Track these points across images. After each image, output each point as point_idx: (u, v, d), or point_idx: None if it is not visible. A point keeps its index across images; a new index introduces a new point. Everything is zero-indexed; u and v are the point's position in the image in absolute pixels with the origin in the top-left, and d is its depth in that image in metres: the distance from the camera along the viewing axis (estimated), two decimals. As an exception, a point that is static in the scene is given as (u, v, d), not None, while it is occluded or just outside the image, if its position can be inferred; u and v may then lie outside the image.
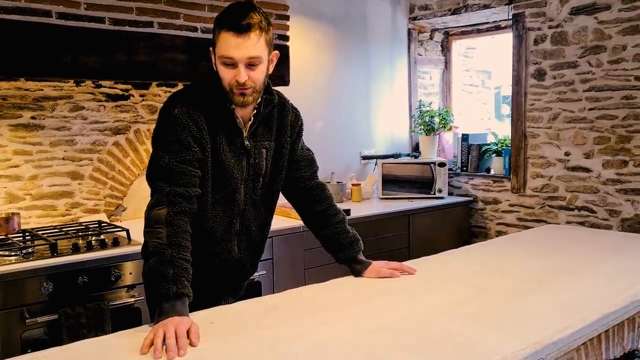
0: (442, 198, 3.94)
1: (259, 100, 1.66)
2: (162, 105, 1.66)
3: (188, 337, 1.31)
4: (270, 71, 1.65)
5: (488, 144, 4.22)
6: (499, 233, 4.01)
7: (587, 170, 3.55)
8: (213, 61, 1.61)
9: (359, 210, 3.47)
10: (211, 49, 1.61)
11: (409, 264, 1.95)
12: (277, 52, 1.65)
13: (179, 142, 1.56)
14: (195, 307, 1.52)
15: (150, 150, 3.18)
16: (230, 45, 1.52)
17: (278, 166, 1.78)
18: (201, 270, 1.62)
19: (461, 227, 4.09)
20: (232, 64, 1.54)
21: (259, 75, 1.58)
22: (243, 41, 1.52)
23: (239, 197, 1.70)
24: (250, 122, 1.68)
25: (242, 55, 1.53)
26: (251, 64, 1.55)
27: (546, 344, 1.32)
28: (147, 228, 1.52)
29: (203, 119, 1.59)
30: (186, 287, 1.43)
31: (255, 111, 1.68)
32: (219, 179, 1.65)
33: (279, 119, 1.76)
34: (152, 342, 1.28)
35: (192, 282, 1.52)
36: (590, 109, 3.51)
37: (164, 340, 1.28)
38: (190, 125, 1.57)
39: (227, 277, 1.78)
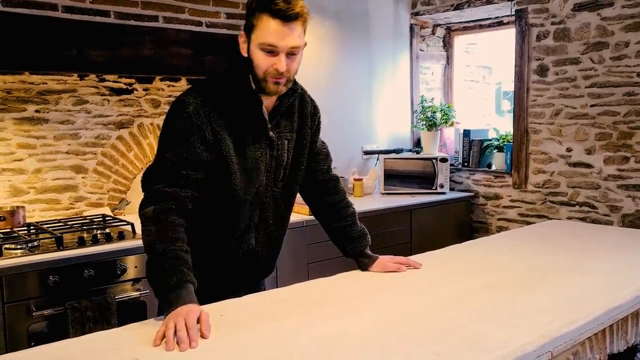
0: (443, 193, 3.96)
1: None
2: (176, 97, 1.58)
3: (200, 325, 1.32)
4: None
5: (489, 140, 4.24)
6: (500, 228, 4.03)
7: (588, 166, 3.57)
8: (244, 46, 1.53)
9: (360, 205, 3.46)
10: (243, 32, 1.53)
11: (414, 258, 1.97)
12: (306, 41, 1.58)
13: (186, 141, 1.49)
14: (212, 300, 1.54)
15: (153, 144, 3.18)
16: (275, 33, 1.46)
17: (299, 158, 1.73)
18: (219, 264, 1.62)
19: (462, 222, 4.10)
20: (272, 51, 1.48)
21: (296, 64, 1.54)
22: (289, 30, 1.47)
23: (260, 190, 1.65)
24: (273, 113, 1.62)
25: (286, 45, 1.48)
26: (291, 54, 1.50)
27: (553, 338, 1.33)
28: (142, 227, 1.50)
29: (221, 114, 1.52)
30: (187, 275, 1.41)
31: (277, 101, 1.62)
32: (243, 172, 1.58)
33: (300, 109, 1.71)
34: (164, 335, 1.29)
35: (210, 276, 1.53)
36: (592, 105, 3.52)
37: (175, 332, 1.29)
38: (201, 122, 1.50)
39: (245, 271, 1.74)
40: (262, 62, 1.50)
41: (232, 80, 1.56)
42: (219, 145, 1.53)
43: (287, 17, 1.45)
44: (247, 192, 1.61)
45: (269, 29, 1.46)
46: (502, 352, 1.23)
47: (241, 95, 1.55)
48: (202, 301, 1.54)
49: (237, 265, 1.71)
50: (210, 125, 1.51)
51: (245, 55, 1.53)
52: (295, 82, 1.65)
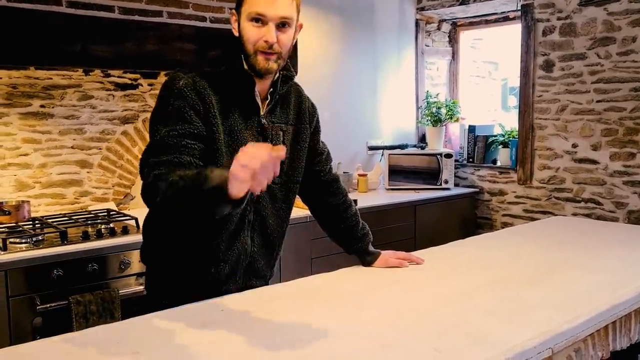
0: (448, 189, 3.95)
1: (277, 75, 1.56)
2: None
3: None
4: (294, 41, 1.55)
5: (494, 136, 4.22)
6: (505, 224, 4.02)
7: (594, 162, 3.55)
8: (235, 25, 1.50)
9: (365, 200, 3.48)
10: (234, 10, 1.51)
11: (417, 254, 1.96)
12: (301, 23, 1.55)
13: (179, 114, 1.40)
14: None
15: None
16: (264, 1, 1.43)
17: (297, 154, 1.66)
18: (213, 265, 1.55)
19: (467, 218, 4.09)
20: (261, 21, 1.44)
21: (288, 39, 1.48)
22: None
23: None
24: (267, 100, 1.57)
25: (275, 14, 1.44)
26: (282, 24, 1.46)
27: (555, 334, 1.32)
28: (148, 191, 1.34)
29: (212, 93, 1.46)
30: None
31: (271, 88, 1.57)
32: (231, 159, 1.43)
33: (297, 103, 1.67)
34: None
35: (205, 278, 1.52)
36: (598, 101, 3.50)
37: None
38: (194, 98, 1.43)
39: (237, 275, 1.64)
40: (251, 34, 1.45)
41: (224, 61, 1.52)
42: (209, 125, 1.45)
43: None
44: None
45: None
46: (502, 348, 1.23)
47: (233, 76, 1.51)
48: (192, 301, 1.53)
49: (227, 269, 1.59)
50: (203, 102, 1.44)
51: (237, 34, 1.50)
52: (289, 69, 1.61)
